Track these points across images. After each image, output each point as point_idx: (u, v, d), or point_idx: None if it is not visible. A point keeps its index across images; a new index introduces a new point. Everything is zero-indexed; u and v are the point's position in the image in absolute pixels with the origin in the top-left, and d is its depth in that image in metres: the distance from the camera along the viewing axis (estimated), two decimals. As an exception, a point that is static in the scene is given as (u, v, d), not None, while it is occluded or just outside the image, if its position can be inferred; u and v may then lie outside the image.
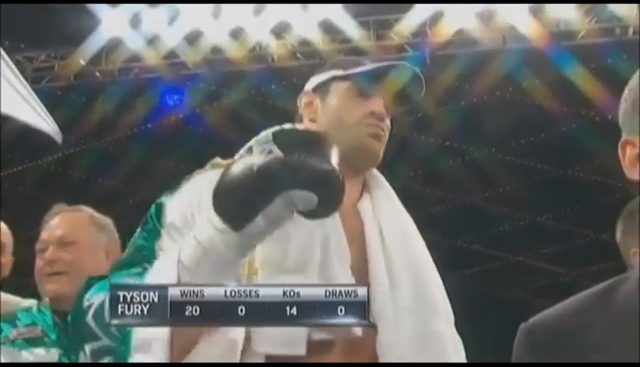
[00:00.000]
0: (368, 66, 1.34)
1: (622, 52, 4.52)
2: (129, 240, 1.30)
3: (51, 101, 4.48)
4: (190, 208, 1.21)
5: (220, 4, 4.63)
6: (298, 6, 4.56)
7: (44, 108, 2.77)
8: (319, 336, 1.14)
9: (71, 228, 1.83)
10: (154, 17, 4.70)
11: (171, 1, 4.62)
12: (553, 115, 5.17)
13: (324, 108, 1.34)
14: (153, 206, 1.26)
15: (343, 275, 1.19)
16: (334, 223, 1.22)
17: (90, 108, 5.14)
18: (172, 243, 1.18)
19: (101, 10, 4.66)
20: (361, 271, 1.23)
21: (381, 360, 1.18)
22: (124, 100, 5.10)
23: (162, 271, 1.11)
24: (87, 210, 1.90)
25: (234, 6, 4.62)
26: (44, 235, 1.82)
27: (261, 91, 5.03)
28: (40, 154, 5.48)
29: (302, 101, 1.37)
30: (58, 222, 1.84)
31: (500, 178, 5.80)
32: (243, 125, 5.61)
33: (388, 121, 1.35)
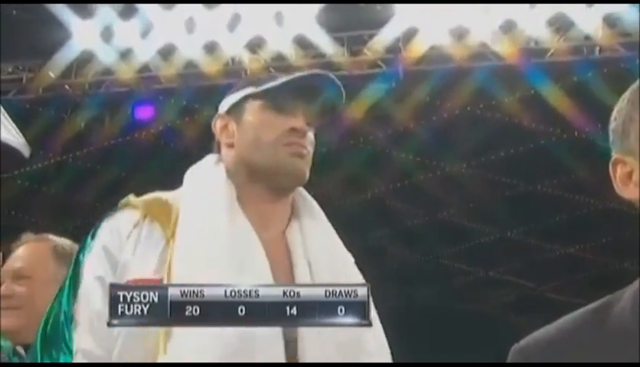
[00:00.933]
0: (282, 79, 1.27)
1: (589, 70, 4.63)
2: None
3: (19, 114, 4.39)
4: (109, 260, 1.20)
5: (193, 19, 4.62)
6: (272, 21, 4.57)
7: (11, 121, 2.70)
8: None
9: (28, 261, 1.77)
10: (127, 30, 4.66)
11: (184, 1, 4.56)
12: (523, 131, 5.26)
13: (240, 130, 1.27)
14: (74, 259, 1.25)
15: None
16: (257, 259, 1.17)
17: (60, 122, 5.06)
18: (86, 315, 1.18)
19: (72, 22, 4.60)
20: None
21: None
22: (95, 114, 5.03)
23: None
24: (51, 240, 1.83)
25: (208, 20, 4.61)
26: (4, 267, 1.77)
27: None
28: (7, 169, 5.36)
29: (217, 125, 1.30)
30: (18, 254, 1.79)
31: (471, 193, 5.86)
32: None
33: (311, 136, 1.27)
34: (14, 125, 2.74)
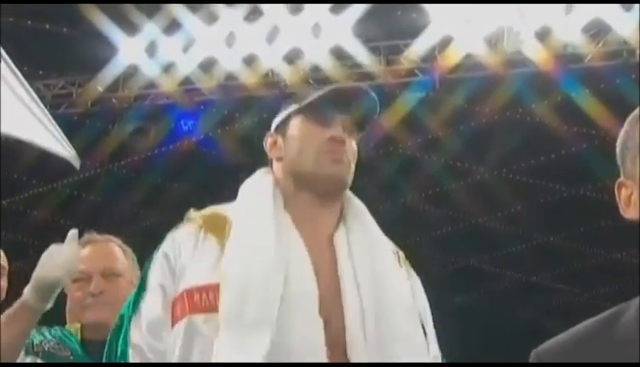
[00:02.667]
0: (320, 93, 1.36)
1: (629, 74, 4.58)
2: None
3: (69, 127, 4.58)
4: (169, 266, 1.29)
5: (233, 33, 4.74)
6: (310, 33, 4.65)
7: (62, 134, 2.82)
8: None
9: (114, 260, 1.86)
10: (170, 45, 4.82)
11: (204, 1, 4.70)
12: (563, 135, 5.21)
13: (286, 144, 1.36)
14: (143, 272, 1.35)
15: (307, 318, 1.20)
16: (302, 262, 1.24)
17: (107, 133, 5.24)
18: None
19: (119, 38, 4.78)
20: (331, 302, 1.24)
21: None
22: (140, 126, 5.20)
23: None
24: (117, 241, 1.93)
25: (248, 34, 4.72)
26: (82, 265, 1.81)
27: (273, 116, 5.09)
28: (56, 178, 5.57)
29: (267, 143, 1.41)
30: (96, 253, 1.86)
31: (510, 198, 5.83)
32: (255, 150, 5.67)
33: (352, 144, 1.36)
34: (65, 137, 2.86)
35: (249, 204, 1.33)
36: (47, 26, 4.92)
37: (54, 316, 1.91)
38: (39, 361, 1.75)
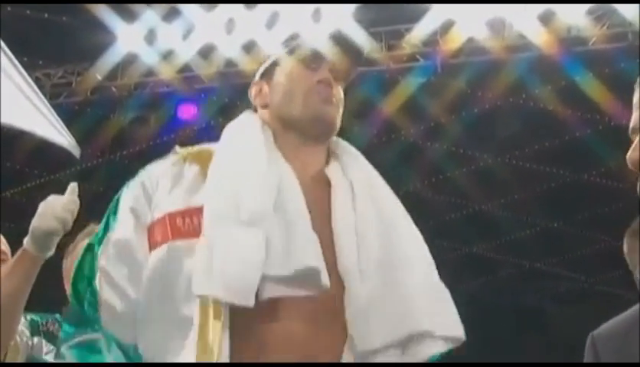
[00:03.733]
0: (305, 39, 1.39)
1: (634, 57, 4.51)
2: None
3: (69, 116, 4.55)
4: (145, 194, 1.26)
5: (232, 19, 4.70)
6: (309, 18, 4.61)
7: (62, 123, 2.81)
8: (275, 292, 1.13)
9: None
10: (169, 32, 4.78)
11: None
12: (567, 120, 5.17)
13: (273, 90, 1.36)
14: (115, 199, 1.31)
15: (302, 227, 1.18)
16: (292, 185, 1.22)
17: (107, 121, 5.22)
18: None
19: (117, 26, 4.74)
20: (324, 228, 1.22)
21: (347, 312, 1.18)
22: (140, 114, 5.17)
23: None
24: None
25: (247, 20, 4.68)
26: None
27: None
28: (58, 169, 5.56)
29: (252, 91, 1.40)
30: None
31: (514, 184, 5.79)
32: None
33: (339, 89, 1.36)
34: (65, 127, 2.84)
35: (238, 137, 1.31)
36: (46, 15, 4.89)
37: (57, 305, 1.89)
38: (44, 341, 1.73)
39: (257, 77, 1.40)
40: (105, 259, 1.23)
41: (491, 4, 4.36)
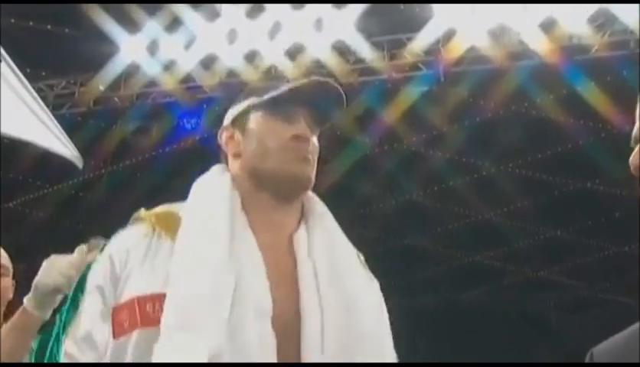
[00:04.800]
0: (283, 87, 1.28)
1: (636, 64, 4.51)
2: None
3: (72, 126, 4.56)
4: (112, 271, 1.20)
5: (234, 29, 4.71)
6: (312, 28, 4.62)
7: (65, 134, 2.80)
8: None
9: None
10: (171, 42, 4.80)
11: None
12: (569, 128, 5.16)
13: (246, 140, 1.28)
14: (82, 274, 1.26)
15: (257, 330, 1.13)
16: (255, 268, 1.17)
17: (109, 132, 5.23)
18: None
19: (120, 37, 4.76)
20: (291, 315, 1.17)
21: None
22: (142, 124, 5.18)
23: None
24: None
25: (249, 30, 4.69)
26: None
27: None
28: (59, 179, 5.56)
29: (223, 137, 1.31)
30: None
31: (516, 193, 5.79)
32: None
33: (315, 141, 1.28)
34: (68, 138, 2.84)
35: (204, 204, 1.24)
36: (49, 27, 4.90)
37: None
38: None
39: (227, 122, 1.32)
40: (72, 345, 1.18)
41: (493, 10, 4.35)
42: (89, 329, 1.17)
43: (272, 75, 4.79)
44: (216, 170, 1.31)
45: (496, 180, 5.61)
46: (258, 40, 4.70)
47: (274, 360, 1.11)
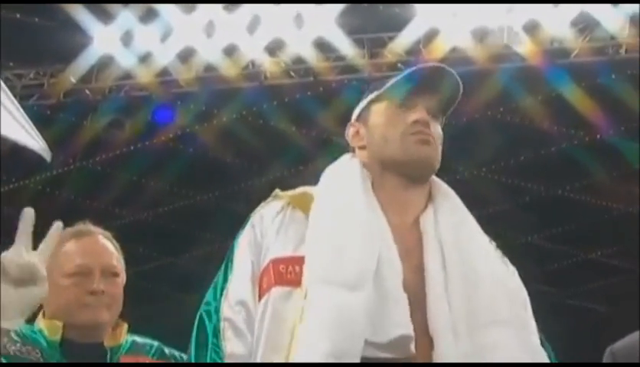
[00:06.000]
0: (398, 76, 1.36)
1: (613, 71, 4.55)
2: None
3: (40, 119, 4.40)
4: (255, 241, 1.31)
5: (212, 22, 4.61)
6: (292, 23, 4.55)
7: (33, 126, 2.71)
8: (372, 353, 1.15)
9: (113, 257, 1.70)
10: (146, 34, 4.66)
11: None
12: (544, 134, 5.18)
13: (369, 132, 1.36)
14: (231, 248, 1.35)
15: (396, 289, 1.20)
16: (386, 238, 1.25)
17: (80, 126, 5.07)
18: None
19: (93, 27, 4.61)
20: (417, 285, 1.23)
21: None
22: (115, 118, 5.03)
23: None
24: (109, 235, 1.75)
25: (228, 23, 4.60)
26: (84, 259, 1.64)
27: (253, 110, 4.99)
28: (29, 174, 5.38)
29: (349, 133, 1.41)
30: (96, 248, 1.68)
31: (490, 198, 5.79)
32: (235, 145, 5.56)
33: (437, 127, 1.35)
34: (35, 129, 2.73)
35: (336, 183, 1.33)
36: (18, 15, 4.75)
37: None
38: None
39: (354, 118, 1.41)
40: (228, 309, 1.26)
41: (476, 11, 4.33)
42: (241, 293, 1.26)
43: (251, 70, 4.70)
44: (345, 157, 1.39)
45: (471, 184, 5.60)
46: (236, 34, 4.60)
47: (408, 318, 1.17)
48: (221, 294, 1.28)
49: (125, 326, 1.69)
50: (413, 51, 4.62)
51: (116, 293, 1.67)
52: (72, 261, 1.65)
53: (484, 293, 1.23)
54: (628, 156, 5.02)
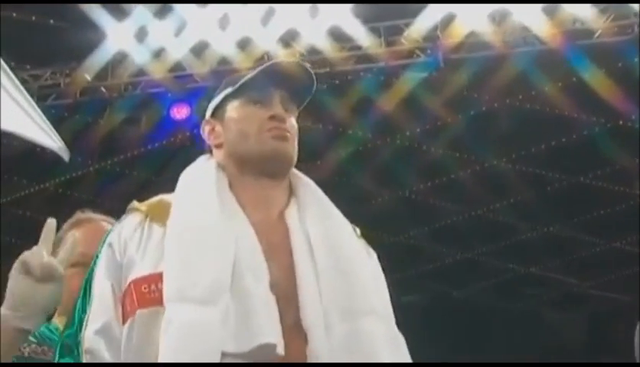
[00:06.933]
0: (252, 72, 1.33)
1: (638, 52, 4.43)
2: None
3: (58, 118, 4.40)
4: (114, 261, 1.25)
5: (227, 15, 4.57)
6: (306, 13, 4.49)
7: (51, 126, 2.72)
8: (233, 360, 1.12)
9: None
10: (160, 29, 4.64)
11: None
12: (565, 121, 5.08)
13: (226, 129, 1.34)
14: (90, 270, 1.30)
15: (259, 294, 1.16)
16: (247, 239, 1.21)
17: (97, 124, 5.07)
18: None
19: (107, 23, 4.60)
20: (287, 281, 1.20)
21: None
22: (131, 115, 5.02)
23: None
24: (113, 222, 1.74)
25: (241, 16, 4.55)
26: (86, 247, 1.59)
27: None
28: (46, 178, 5.40)
29: (205, 131, 1.38)
30: (101, 233, 1.55)
31: (511, 188, 5.70)
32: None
33: (292, 121, 1.34)
34: (53, 129, 2.72)
35: (192, 187, 1.30)
36: (33, 18, 4.76)
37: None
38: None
39: (208, 115, 1.38)
40: (88, 341, 1.21)
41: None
42: (101, 321, 1.21)
43: (265, 62, 4.64)
44: (201, 159, 1.37)
45: (494, 173, 5.52)
46: (251, 27, 4.55)
47: (278, 325, 1.15)
48: (80, 326, 1.22)
49: None
50: (430, 37, 4.54)
51: None
52: (75, 251, 1.62)
53: (355, 281, 1.22)
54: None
